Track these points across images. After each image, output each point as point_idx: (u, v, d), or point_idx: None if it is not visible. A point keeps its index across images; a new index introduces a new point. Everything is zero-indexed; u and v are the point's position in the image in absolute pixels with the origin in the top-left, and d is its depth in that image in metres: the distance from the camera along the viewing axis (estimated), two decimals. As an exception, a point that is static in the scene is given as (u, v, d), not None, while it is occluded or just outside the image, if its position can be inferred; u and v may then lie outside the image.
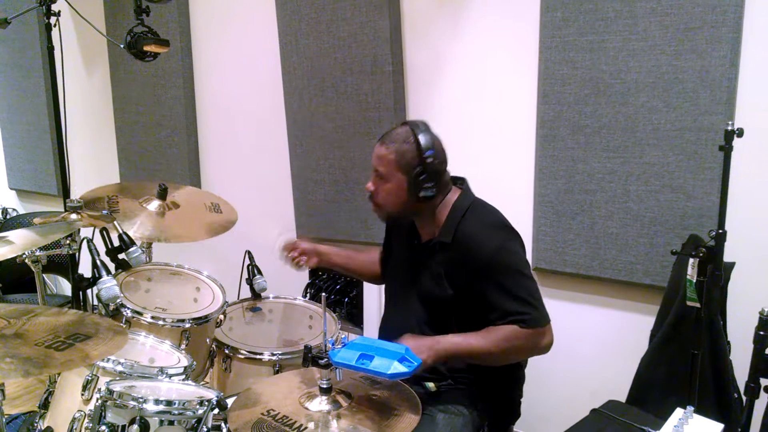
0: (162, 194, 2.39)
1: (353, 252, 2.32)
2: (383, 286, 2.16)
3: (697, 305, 1.76)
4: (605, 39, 2.14)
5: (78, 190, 2.42)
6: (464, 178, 1.94)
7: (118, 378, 1.58)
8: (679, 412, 1.41)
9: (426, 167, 1.77)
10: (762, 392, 1.72)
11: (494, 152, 2.45)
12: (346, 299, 2.88)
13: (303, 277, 2.98)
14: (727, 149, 1.70)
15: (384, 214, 1.91)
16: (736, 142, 1.70)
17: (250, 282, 2.38)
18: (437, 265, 1.84)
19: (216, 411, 1.48)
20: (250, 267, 2.38)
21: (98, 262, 1.87)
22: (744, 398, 1.78)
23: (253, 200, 3.20)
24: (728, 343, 1.92)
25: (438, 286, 1.83)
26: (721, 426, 1.37)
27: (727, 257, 1.81)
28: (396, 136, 1.82)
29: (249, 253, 2.39)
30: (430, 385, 1.87)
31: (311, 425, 1.41)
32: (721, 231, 1.73)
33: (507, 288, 1.74)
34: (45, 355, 1.29)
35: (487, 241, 1.78)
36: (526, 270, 1.79)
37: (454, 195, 1.88)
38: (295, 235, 3.04)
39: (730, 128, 1.70)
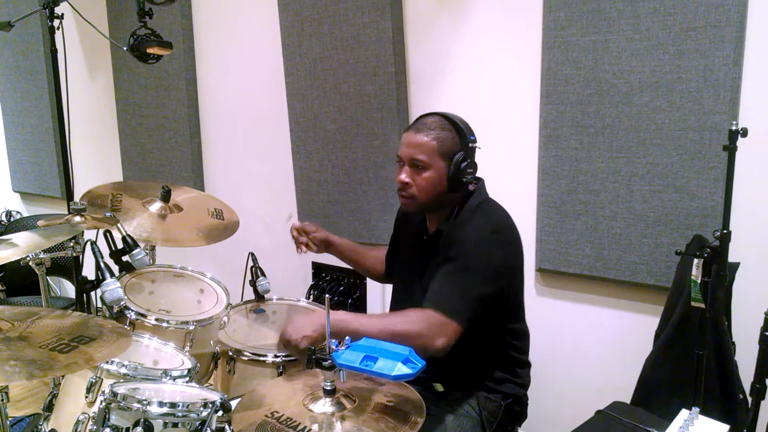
0: (165, 196, 2.39)
1: (362, 247, 2.32)
2: (388, 287, 2.16)
3: (702, 306, 1.75)
4: (608, 39, 2.13)
5: (81, 192, 2.42)
6: (481, 177, 1.93)
7: (122, 380, 1.58)
8: (684, 413, 1.40)
9: (468, 153, 1.78)
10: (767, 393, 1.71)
11: (497, 153, 2.45)
12: (350, 301, 2.88)
13: (306, 279, 2.98)
14: (731, 149, 1.70)
15: (418, 206, 1.86)
16: (740, 141, 1.70)
17: (253, 284, 2.37)
18: (437, 257, 1.84)
19: (220, 413, 1.48)
20: (253, 269, 2.38)
21: (102, 264, 1.87)
22: (749, 399, 1.78)
23: (256, 201, 3.20)
24: (733, 343, 1.91)
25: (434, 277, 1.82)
26: (727, 427, 1.37)
27: (731, 257, 1.81)
28: (431, 124, 1.81)
29: (252, 255, 2.39)
30: (437, 386, 1.87)
31: (315, 427, 1.40)
32: (725, 231, 1.73)
33: (452, 276, 1.71)
34: (49, 357, 1.29)
35: (469, 231, 1.77)
36: (483, 275, 1.73)
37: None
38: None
39: (734, 128, 1.69)
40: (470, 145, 1.80)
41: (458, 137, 1.79)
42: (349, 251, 2.26)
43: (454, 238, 1.78)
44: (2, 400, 1.38)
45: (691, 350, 1.78)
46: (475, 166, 1.83)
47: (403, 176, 1.83)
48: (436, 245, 1.86)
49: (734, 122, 1.71)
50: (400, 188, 1.85)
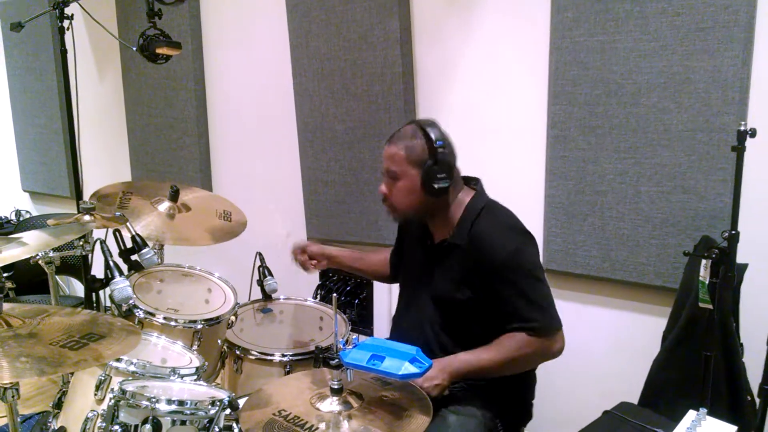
0: (174, 196, 2.40)
1: (362, 253, 2.33)
2: (395, 286, 2.17)
3: (710, 307, 1.75)
4: (616, 39, 2.13)
5: (90, 191, 2.44)
6: (478, 178, 1.94)
7: (130, 378, 1.59)
8: (692, 414, 1.40)
9: (437, 158, 1.78)
10: (775, 394, 1.71)
11: (505, 153, 2.45)
12: (356, 301, 2.88)
13: (313, 279, 2.98)
14: (739, 150, 1.69)
15: (400, 215, 1.91)
16: (749, 142, 1.69)
17: (261, 283, 2.39)
18: (452, 267, 1.84)
19: (228, 411, 1.48)
20: (261, 268, 2.39)
21: (111, 263, 1.88)
22: (757, 401, 1.77)
23: (263, 201, 3.21)
24: (741, 345, 1.90)
25: (455, 289, 1.83)
26: (734, 428, 1.36)
27: (739, 258, 1.80)
28: (403, 134, 1.84)
29: (260, 254, 2.40)
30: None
31: (322, 426, 1.41)
32: (733, 232, 1.72)
33: (522, 291, 1.75)
34: (59, 354, 1.30)
35: (503, 243, 1.78)
36: (541, 274, 1.80)
37: (467, 195, 1.88)
38: (305, 236, 3.05)
39: (742, 128, 1.69)
40: (439, 150, 1.78)
41: (427, 144, 1.79)
42: (350, 261, 2.29)
43: (493, 260, 1.77)
44: (13, 397, 1.39)
45: (698, 351, 1.78)
46: (448, 171, 1.79)
47: (382, 187, 1.89)
48: (446, 255, 1.87)
49: (743, 123, 1.70)
50: (382, 199, 1.91)
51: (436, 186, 1.79)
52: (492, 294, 1.77)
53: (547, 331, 1.75)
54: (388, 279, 2.29)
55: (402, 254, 2.16)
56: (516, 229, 1.84)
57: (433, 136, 1.78)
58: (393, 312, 2.14)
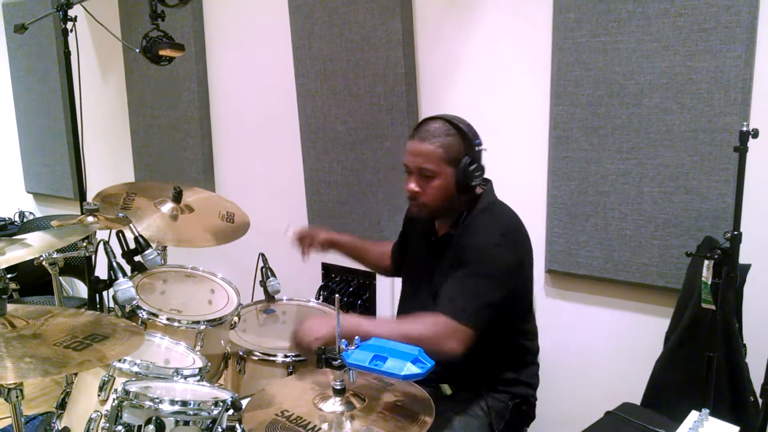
0: (177, 197, 2.41)
1: (366, 243, 2.32)
2: (397, 286, 2.16)
3: (713, 307, 1.75)
4: (618, 40, 2.13)
5: (94, 193, 2.45)
6: (489, 179, 1.93)
7: (134, 379, 1.59)
8: (694, 414, 1.40)
9: (475, 156, 1.78)
10: (778, 395, 1.70)
11: (507, 154, 2.45)
12: (359, 301, 2.89)
13: (316, 280, 2.99)
14: (742, 150, 1.70)
15: (428, 213, 1.87)
16: (751, 143, 1.69)
17: (263, 284, 2.39)
18: (446, 261, 1.84)
19: (231, 412, 1.49)
20: (263, 269, 2.39)
21: (114, 264, 1.89)
22: (760, 401, 1.77)
23: (266, 202, 3.22)
24: (744, 345, 1.90)
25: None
26: (737, 428, 1.36)
27: (742, 259, 1.81)
28: (435, 130, 1.79)
29: (263, 255, 2.40)
30: (445, 387, 1.87)
31: (325, 426, 1.41)
32: (736, 232, 1.73)
33: (464, 281, 1.71)
34: (63, 355, 1.30)
35: (480, 236, 1.77)
36: (495, 282, 1.72)
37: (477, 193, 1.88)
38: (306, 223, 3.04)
39: (744, 129, 1.69)
40: (476, 148, 1.79)
41: (463, 141, 1.78)
42: (353, 248, 2.27)
43: (465, 243, 1.78)
44: (17, 397, 1.39)
45: (701, 352, 1.78)
46: (482, 169, 1.82)
47: (413, 185, 1.82)
48: (444, 249, 1.87)
49: (745, 123, 1.70)
50: (410, 197, 1.85)
51: (472, 184, 1.78)
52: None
53: (460, 317, 1.66)
54: (387, 271, 2.28)
55: (405, 250, 2.16)
56: (503, 229, 1.80)
57: (469, 133, 1.78)
58: (395, 312, 2.14)
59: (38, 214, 4.42)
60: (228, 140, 3.42)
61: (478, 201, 1.86)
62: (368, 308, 2.88)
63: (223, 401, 1.49)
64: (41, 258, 2.09)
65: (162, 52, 2.40)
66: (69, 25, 2.43)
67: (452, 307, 1.68)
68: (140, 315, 1.95)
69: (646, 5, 2.07)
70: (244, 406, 1.52)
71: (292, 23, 2.92)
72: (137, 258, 2.10)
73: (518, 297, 1.85)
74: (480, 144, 1.81)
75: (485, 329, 1.73)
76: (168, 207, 2.39)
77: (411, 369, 1.46)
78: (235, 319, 2.13)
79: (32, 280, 3.25)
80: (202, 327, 1.99)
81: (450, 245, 1.85)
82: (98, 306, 2.26)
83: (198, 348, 1.97)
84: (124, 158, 3.81)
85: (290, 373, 2.05)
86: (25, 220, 4.26)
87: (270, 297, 2.40)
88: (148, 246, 2.10)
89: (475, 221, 1.82)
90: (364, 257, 2.29)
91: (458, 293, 1.70)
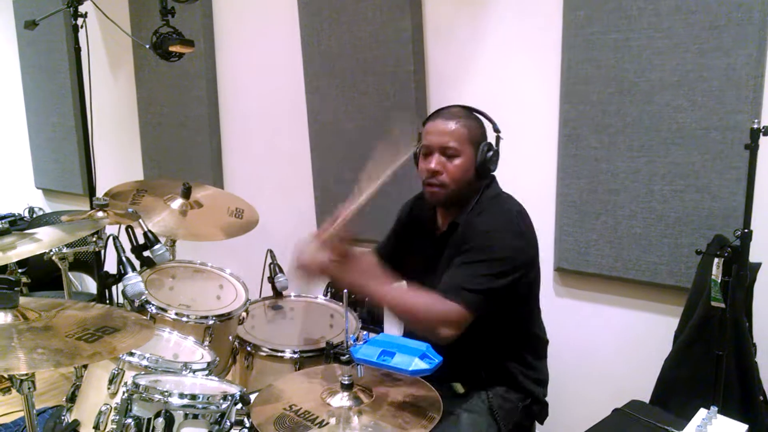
0: (186, 193, 2.42)
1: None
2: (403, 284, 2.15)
3: (722, 306, 1.74)
4: (629, 37, 2.12)
5: (103, 189, 2.46)
6: (494, 175, 1.93)
7: (143, 372, 1.60)
8: (702, 412, 1.39)
9: (495, 142, 1.85)
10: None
11: (516, 152, 2.44)
12: (367, 298, 2.88)
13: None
14: (753, 148, 1.69)
15: (446, 195, 1.84)
16: (763, 140, 1.68)
17: (271, 280, 2.40)
18: (450, 254, 1.83)
19: (239, 406, 1.50)
20: (271, 265, 2.40)
21: (124, 258, 1.90)
22: (770, 400, 1.76)
23: (274, 199, 3.22)
24: (754, 344, 1.89)
25: None
26: (746, 427, 1.36)
27: (752, 257, 1.79)
28: (458, 112, 1.85)
29: (271, 251, 2.41)
30: (458, 386, 1.86)
31: (333, 420, 1.42)
32: (746, 231, 1.72)
33: (466, 267, 1.71)
34: (74, 346, 1.31)
35: (484, 223, 1.77)
36: (497, 267, 1.71)
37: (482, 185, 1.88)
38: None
39: (756, 126, 1.68)
40: (496, 134, 1.87)
41: (484, 126, 1.85)
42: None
43: (469, 230, 1.79)
44: (29, 388, 1.40)
45: (710, 350, 1.77)
46: (499, 156, 1.87)
47: (434, 164, 1.81)
48: (449, 239, 1.86)
49: (756, 121, 1.69)
50: (429, 177, 1.83)
51: (490, 168, 1.83)
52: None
53: (452, 301, 1.65)
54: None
55: (394, 248, 2.14)
56: (508, 216, 1.80)
57: (490, 119, 1.85)
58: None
59: (48, 210, 4.45)
60: (237, 137, 3.42)
61: (485, 192, 1.86)
62: (375, 305, 2.88)
63: (232, 395, 1.50)
64: (51, 253, 2.11)
65: (172, 48, 2.42)
66: (79, 21, 2.45)
67: (451, 289, 1.68)
68: (149, 310, 1.95)
69: (657, 2, 2.06)
70: (252, 401, 1.53)
71: (300, 20, 2.92)
72: (146, 253, 2.11)
73: (522, 288, 1.82)
74: (499, 131, 1.87)
75: (492, 326, 1.73)
76: (178, 203, 2.41)
77: (419, 364, 1.46)
78: (244, 314, 2.14)
79: (42, 275, 3.27)
80: (211, 322, 2.00)
81: (455, 233, 1.85)
82: (107, 301, 2.27)
83: (206, 343, 1.97)
84: (133, 154, 3.83)
85: (298, 369, 2.05)
86: (34, 215, 4.28)
87: (278, 293, 2.41)
88: (157, 241, 2.11)
89: (482, 207, 1.83)
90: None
91: (458, 277, 1.71)
